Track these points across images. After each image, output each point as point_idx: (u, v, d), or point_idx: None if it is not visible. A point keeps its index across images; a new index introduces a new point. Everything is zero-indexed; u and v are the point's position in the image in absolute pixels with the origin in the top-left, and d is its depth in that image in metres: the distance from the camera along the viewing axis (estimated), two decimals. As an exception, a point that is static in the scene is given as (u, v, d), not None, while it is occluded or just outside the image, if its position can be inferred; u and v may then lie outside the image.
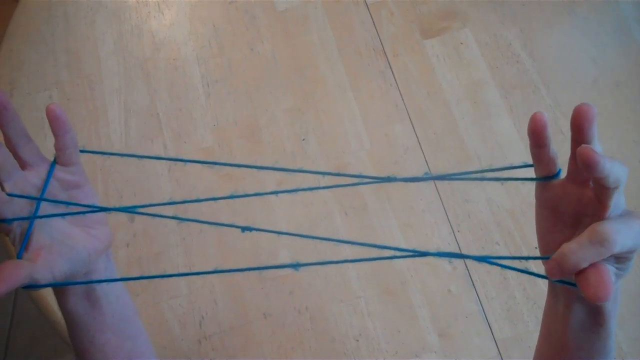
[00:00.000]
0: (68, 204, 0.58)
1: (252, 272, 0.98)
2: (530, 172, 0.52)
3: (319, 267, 0.97)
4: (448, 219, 0.98)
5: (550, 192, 0.52)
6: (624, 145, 1.00)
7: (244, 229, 0.57)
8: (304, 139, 1.06)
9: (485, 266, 0.94)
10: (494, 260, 0.48)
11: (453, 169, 1.01)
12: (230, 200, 1.03)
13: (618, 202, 0.47)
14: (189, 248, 0.99)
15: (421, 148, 1.03)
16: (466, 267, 0.95)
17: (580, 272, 0.45)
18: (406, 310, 0.93)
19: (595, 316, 0.54)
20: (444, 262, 0.95)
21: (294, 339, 0.93)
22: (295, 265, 0.54)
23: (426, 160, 1.02)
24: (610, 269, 0.45)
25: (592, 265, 0.45)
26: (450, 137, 1.03)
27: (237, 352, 0.93)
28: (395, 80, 1.08)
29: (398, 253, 0.50)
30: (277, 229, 1.00)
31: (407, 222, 0.98)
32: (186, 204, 0.99)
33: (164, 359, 0.93)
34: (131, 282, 0.92)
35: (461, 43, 1.09)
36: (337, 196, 1.01)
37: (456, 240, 0.96)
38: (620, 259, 0.47)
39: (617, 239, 0.44)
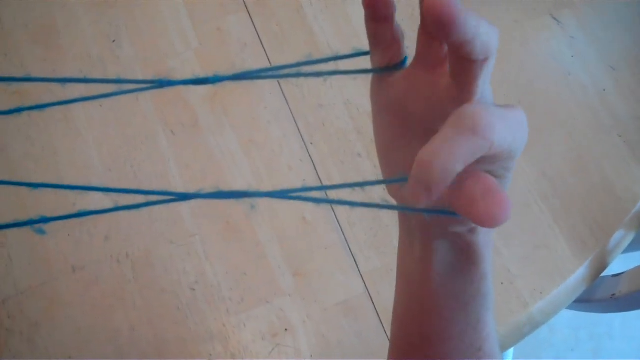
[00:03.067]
0: None
1: (56, 214, 0.76)
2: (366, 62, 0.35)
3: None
4: (299, 129, 0.79)
5: (393, 89, 0.36)
6: (502, 25, 0.83)
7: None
8: (114, 41, 0.83)
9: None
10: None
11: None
12: (23, 125, 0.80)
13: (484, 90, 0.30)
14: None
15: (262, 43, 0.82)
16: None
17: (457, 191, 0.29)
18: (252, 247, 0.75)
19: (466, 254, 0.39)
20: (295, 181, 0.77)
21: (113, 294, 0.73)
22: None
23: (269, 58, 0.82)
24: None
25: (470, 175, 0.29)
26: (297, 28, 0.83)
27: (41, 317, 0.73)
28: (227, -40, 0.86)
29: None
30: (87, 156, 0.79)
31: (250, 137, 0.79)
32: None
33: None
34: None
35: None
36: (161, 112, 0.80)
37: (309, 154, 0.78)
38: (495, 169, 0.31)
39: (495, 123, 0.26)
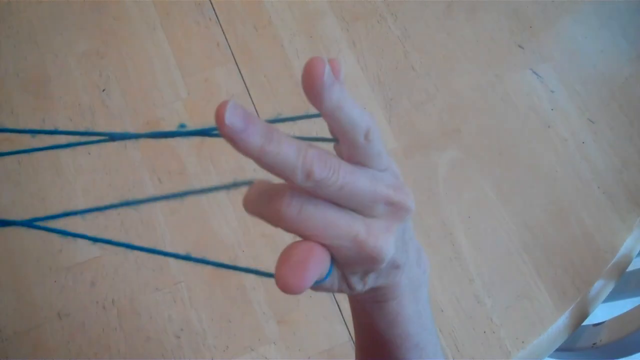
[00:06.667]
0: None
1: (42, 261, 0.77)
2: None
3: (128, 249, 0.77)
4: (285, 178, 0.80)
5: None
6: (484, 79, 0.85)
7: None
8: (104, 90, 0.85)
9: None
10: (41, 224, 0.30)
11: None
12: (12, 172, 0.81)
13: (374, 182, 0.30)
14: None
15: (250, 94, 0.84)
16: (308, 236, 0.78)
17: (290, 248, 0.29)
18: (237, 294, 0.75)
19: (356, 313, 0.42)
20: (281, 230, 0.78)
21: (98, 342, 0.73)
22: None
23: (256, 109, 0.83)
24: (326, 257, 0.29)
25: (305, 243, 0.29)
26: (284, 79, 0.85)
27: (25, 364, 0.72)
28: (216, 13, 0.88)
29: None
30: (74, 204, 0.79)
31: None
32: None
33: None
34: None
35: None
36: (149, 160, 0.81)
37: (295, 204, 0.79)
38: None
39: (287, 212, 0.28)
